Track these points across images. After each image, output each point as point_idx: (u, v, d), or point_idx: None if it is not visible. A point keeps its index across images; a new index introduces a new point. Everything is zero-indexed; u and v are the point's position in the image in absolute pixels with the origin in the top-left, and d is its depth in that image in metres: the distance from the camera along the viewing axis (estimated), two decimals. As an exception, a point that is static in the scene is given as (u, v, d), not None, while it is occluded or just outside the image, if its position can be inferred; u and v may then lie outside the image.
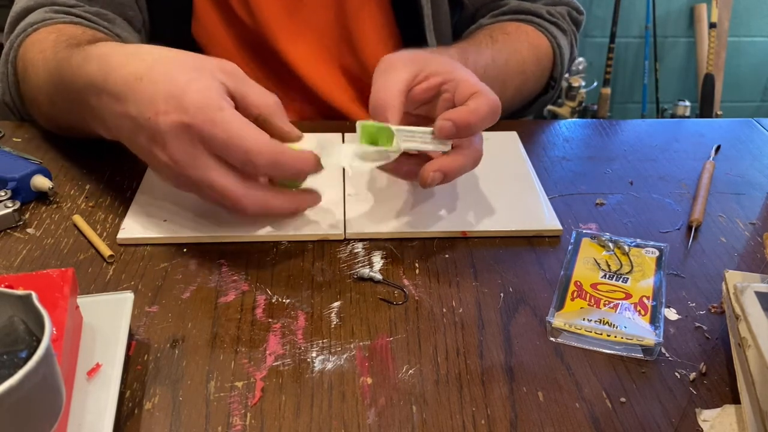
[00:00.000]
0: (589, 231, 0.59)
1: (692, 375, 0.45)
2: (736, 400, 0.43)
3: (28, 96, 0.69)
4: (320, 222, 0.58)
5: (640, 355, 0.46)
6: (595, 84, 2.37)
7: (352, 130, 0.57)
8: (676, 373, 0.45)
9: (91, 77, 0.53)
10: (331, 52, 0.83)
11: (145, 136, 0.50)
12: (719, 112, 2.43)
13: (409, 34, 0.81)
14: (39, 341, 0.33)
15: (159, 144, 0.50)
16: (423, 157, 0.56)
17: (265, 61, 0.82)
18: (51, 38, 0.66)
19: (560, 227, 0.58)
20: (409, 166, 0.56)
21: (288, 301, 0.50)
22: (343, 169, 0.65)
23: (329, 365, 0.45)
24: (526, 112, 0.87)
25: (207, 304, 0.50)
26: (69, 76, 0.57)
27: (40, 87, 0.65)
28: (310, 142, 0.54)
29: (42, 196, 0.61)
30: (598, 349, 0.47)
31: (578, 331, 0.47)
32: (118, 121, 0.52)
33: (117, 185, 0.64)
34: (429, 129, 0.54)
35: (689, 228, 0.60)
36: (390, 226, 0.58)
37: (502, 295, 0.52)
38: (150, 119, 0.49)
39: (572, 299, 0.50)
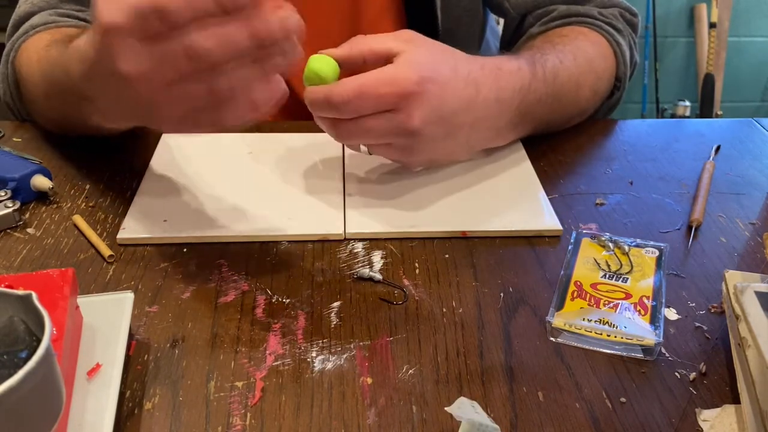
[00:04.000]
0: (589, 231, 0.59)
1: (692, 375, 0.45)
2: (736, 400, 0.43)
3: (26, 95, 0.70)
4: (320, 222, 0.58)
5: (640, 355, 0.46)
6: (595, 84, 2.37)
7: None
8: (676, 373, 0.45)
9: (78, 59, 0.51)
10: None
11: (106, 64, 0.45)
12: (719, 112, 2.43)
13: None
14: (39, 341, 0.33)
15: (115, 60, 0.44)
16: None
17: None
18: (46, 37, 0.66)
19: (560, 227, 0.58)
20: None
21: (288, 301, 0.50)
22: (343, 169, 0.65)
23: (329, 365, 0.45)
24: (591, 117, 0.81)
25: (207, 304, 0.50)
26: (61, 68, 0.56)
27: (36, 84, 0.65)
28: None
29: (42, 196, 0.61)
30: (598, 349, 0.47)
31: (578, 331, 0.47)
32: (102, 83, 0.48)
33: (117, 185, 0.64)
34: None
35: (689, 228, 0.60)
36: (390, 226, 0.58)
37: (502, 295, 0.52)
38: (99, 43, 0.45)
39: (572, 299, 0.50)
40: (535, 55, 0.67)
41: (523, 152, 0.70)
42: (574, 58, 0.70)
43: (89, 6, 0.73)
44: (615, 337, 0.47)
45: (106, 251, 0.54)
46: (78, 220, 0.58)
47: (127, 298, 0.46)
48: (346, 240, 0.57)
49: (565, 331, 0.48)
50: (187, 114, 0.47)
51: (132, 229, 0.57)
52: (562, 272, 0.53)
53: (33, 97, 0.68)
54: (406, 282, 0.53)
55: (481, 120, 0.60)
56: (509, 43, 0.84)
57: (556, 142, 0.73)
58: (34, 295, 0.36)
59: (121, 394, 0.42)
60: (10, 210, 0.57)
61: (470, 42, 0.88)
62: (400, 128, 0.55)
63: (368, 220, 0.58)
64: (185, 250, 0.55)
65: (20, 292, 0.36)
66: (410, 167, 0.64)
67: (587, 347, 0.47)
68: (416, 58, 0.55)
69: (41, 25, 0.70)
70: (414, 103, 0.54)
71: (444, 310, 0.50)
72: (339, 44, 0.81)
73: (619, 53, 0.76)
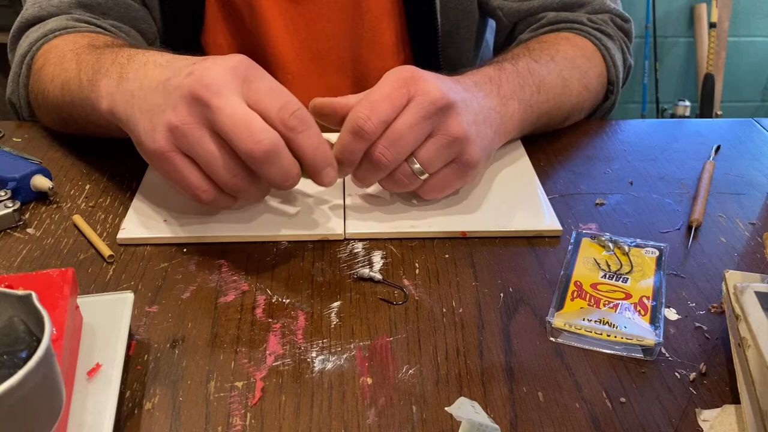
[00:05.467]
0: (589, 231, 0.59)
1: (692, 375, 0.45)
2: (736, 400, 0.43)
3: (40, 94, 0.68)
4: (320, 222, 0.58)
5: (640, 355, 0.46)
6: (595, 84, 2.37)
7: None
8: (676, 373, 0.45)
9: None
10: (342, 72, 0.82)
11: (170, 94, 0.50)
12: (719, 112, 2.43)
13: (423, 53, 0.81)
14: (39, 341, 0.33)
15: (170, 105, 0.49)
16: None
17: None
18: (82, 41, 0.66)
19: (560, 227, 0.58)
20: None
21: (288, 301, 0.50)
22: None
23: (329, 365, 0.45)
24: (587, 119, 0.81)
25: (207, 304, 0.50)
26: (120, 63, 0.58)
27: (69, 78, 0.63)
28: None
29: (42, 196, 0.61)
30: (598, 349, 0.47)
31: (578, 331, 0.47)
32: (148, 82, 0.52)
33: (117, 185, 0.64)
34: None
35: (689, 228, 0.60)
36: (390, 226, 0.58)
37: (502, 295, 0.52)
38: (173, 79, 0.49)
39: (572, 299, 0.50)
40: (505, 57, 0.68)
41: (523, 152, 0.70)
42: (551, 58, 0.70)
43: (100, 14, 0.73)
44: (615, 337, 0.47)
45: (106, 251, 0.54)
46: (78, 220, 0.58)
47: (127, 298, 0.46)
48: (346, 240, 0.57)
49: (565, 331, 0.48)
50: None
51: (132, 229, 0.57)
52: (562, 272, 0.53)
53: (48, 94, 0.66)
54: (406, 282, 0.53)
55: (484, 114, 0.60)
56: (500, 51, 0.85)
57: (557, 142, 0.73)
58: (34, 295, 0.36)
59: (121, 394, 0.42)
60: (10, 210, 0.57)
61: (469, 43, 0.88)
62: (447, 134, 0.54)
63: (368, 220, 0.58)
64: (185, 250, 0.55)
65: (20, 292, 0.36)
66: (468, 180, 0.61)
67: (587, 347, 0.47)
68: (390, 73, 0.56)
69: (61, 29, 0.69)
70: (424, 90, 0.53)
71: (444, 310, 0.50)
72: (340, 45, 0.81)
73: (607, 56, 0.76)
